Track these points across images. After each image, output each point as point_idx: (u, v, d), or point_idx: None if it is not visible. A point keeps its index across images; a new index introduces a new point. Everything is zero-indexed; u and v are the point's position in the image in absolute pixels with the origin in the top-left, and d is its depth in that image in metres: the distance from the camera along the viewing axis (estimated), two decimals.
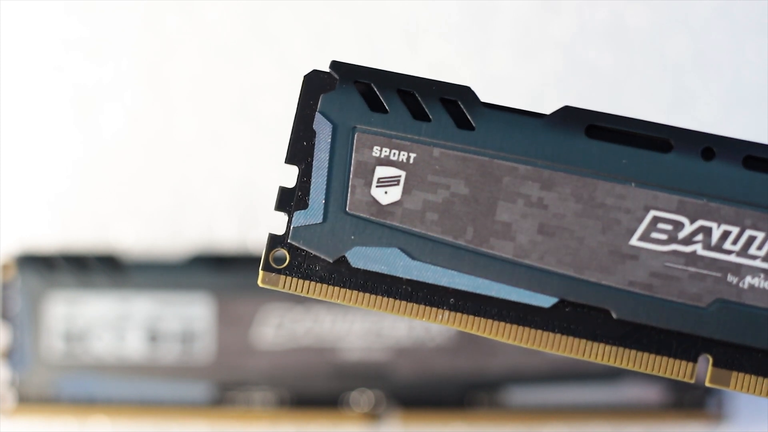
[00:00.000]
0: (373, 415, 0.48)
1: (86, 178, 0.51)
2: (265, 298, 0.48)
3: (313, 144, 0.30)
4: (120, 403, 0.48)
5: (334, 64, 0.30)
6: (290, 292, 0.30)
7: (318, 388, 0.47)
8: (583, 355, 0.29)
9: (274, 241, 0.30)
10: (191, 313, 0.48)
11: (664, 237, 0.29)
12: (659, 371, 0.30)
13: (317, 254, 0.30)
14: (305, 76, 0.30)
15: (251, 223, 0.51)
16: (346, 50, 0.52)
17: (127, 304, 0.48)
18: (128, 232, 0.51)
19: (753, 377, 0.29)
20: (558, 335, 0.29)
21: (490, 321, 0.30)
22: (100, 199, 0.51)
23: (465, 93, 0.30)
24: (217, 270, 0.48)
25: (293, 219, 0.30)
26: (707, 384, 0.29)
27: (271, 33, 0.52)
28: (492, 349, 0.47)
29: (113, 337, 0.48)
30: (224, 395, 0.48)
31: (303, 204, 0.30)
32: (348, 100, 0.30)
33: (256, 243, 0.50)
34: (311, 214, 0.30)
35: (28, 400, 0.48)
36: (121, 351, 0.48)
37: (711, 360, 0.29)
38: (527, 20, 0.51)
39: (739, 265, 0.29)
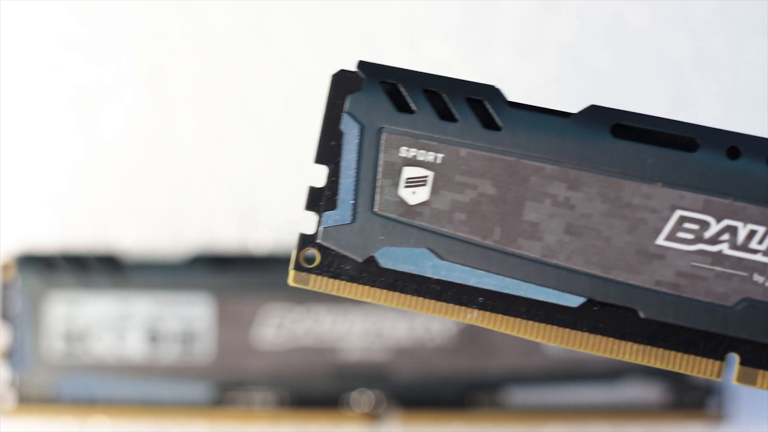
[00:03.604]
0: (373, 416, 0.48)
1: (86, 178, 0.51)
2: (265, 298, 0.48)
3: (341, 145, 0.30)
4: (120, 403, 0.48)
5: (362, 64, 0.31)
6: (320, 290, 0.30)
7: (318, 388, 0.47)
8: (611, 353, 0.29)
9: (305, 240, 0.30)
10: (191, 313, 0.48)
11: (690, 236, 0.29)
12: (687, 370, 0.30)
13: (347, 254, 0.30)
14: (333, 76, 0.30)
15: (251, 223, 0.51)
16: (346, 50, 0.52)
17: (127, 304, 0.48)
18: (128, 232, 0.51)
19: None
20: (586, 334, 0.30)
21: (518, 320, 0.30)
22: (100, 199, 0.51)
23: (492, 93, 0.30)
24: (217, 270, 0.48)
25: (323, 219, 0.30)
26: (735, 382, 0.30)
27: (271, 33, 0.52)
28: (492, 349, 0.47)
29: (113, 337, 0.48)
30: (224, 395, 0.48)
31: (332, 204, 0.30)
32: (375, 100, 0.30)
33: (256, 243, 0.50)
34: (340, 215, 0.30)
35: (28, 400, 0.48)
36: (121, 351, 0.48)
37: (738, 359, 0.29)
38: (527, 20, 0.51)
39: (765, 265, 0.29)
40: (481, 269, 0.30)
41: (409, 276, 0.30)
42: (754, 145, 0.29)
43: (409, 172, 0.30)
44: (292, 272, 0.30)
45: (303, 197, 0.30)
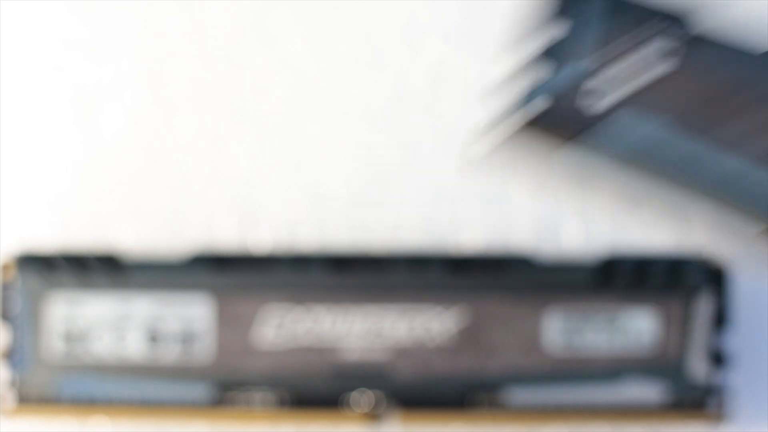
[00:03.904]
0: (373, 416, 0.48)
1: (86, 178, 0.51)
2: (265, 298, 0.48)
3: None
4: (120, 403, 0.48)
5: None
6: None
7: (318, 388, 0.47)
8: None
9: None
10: (191, 313, 0.48)
11: None
12: None
13: None
14: None
15: (251, 223, 0.51)
16: (346, 50, 0.52)
17: (127, 304, 0.48)
18: (128, 232, 0.51)
19: None
20: None
21: None
22: (100, 200, 0.51)
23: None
24: (217, 270, 0.48)
25: None
26: None
27: (271, 33, 0.52)
28: (492, 349, 0.47)
29: (113, 338, 0.48)
30: (224, 395, 0.48)
31: None
32: None
33: (256, 243, 0.50)
34: None
35: (28, 400, 0.48)
36: (121, 351, 0.48)
37: None
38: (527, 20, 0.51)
39: None
40: None
41: None
42: None
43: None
44: None
45: None
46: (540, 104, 0.31)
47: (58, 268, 0.48)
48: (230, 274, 0.48)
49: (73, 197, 0.51)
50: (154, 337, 0.48)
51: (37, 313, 0.48)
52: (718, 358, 0.46)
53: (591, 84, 0.29)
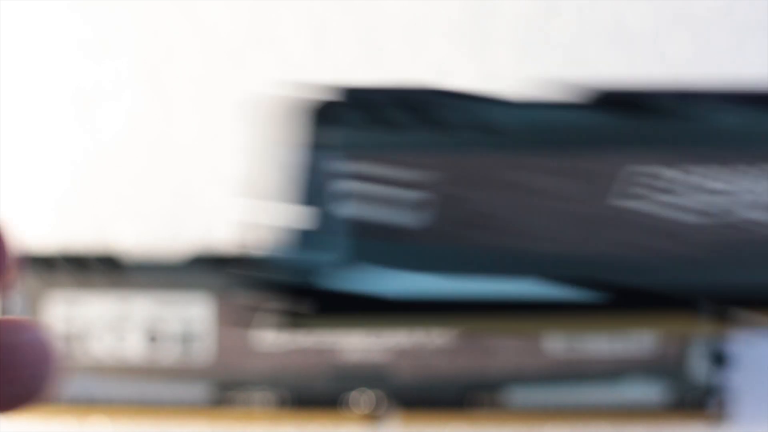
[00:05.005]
0: (373, 416, 0.48)
1: (86, 178, 0.51)
2: (266, 298, 0.48)
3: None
4: (120, 403, 0.48)
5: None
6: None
7: (318, 388, 0.47)
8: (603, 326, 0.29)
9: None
10: (191, 314, 0.48)
11: (644, 191, 0.29)
12: (668, 326, 0.29)
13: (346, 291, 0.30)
14: (293, 105, 0.30)
15: (251, 223, 0.51)
16: (346, 50, 0.52)
17: (127, 305, 0.48)
18: (128, 232, 0.51)
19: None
20: (565, 315, 0.29)
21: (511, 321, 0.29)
22: (100, 200, 0.51)
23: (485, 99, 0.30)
24: (217, 270, 0.48)
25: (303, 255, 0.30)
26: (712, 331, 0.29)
27: (271, 33, 0.52)
28: (492, 349, 0.47)
29: (113, 338, 0.48)
30: (224, 395, 0.48)
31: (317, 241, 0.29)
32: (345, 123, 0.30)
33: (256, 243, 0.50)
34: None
35: None
36: (121, 351, 0.48)
37: (712, 307, 0.29)
38: (527, 20, 0.51)
39: (734, 206, 0.29)
40: (478, 273, 0.29)
41: (418, 303, 0.29)
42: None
43: (389, 192, 0.29)
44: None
45: None
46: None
47: (57, 269, 0.48)
48: (230, 273, 0.48)
49: (73, 197, 0.51)
50: (153, 338, 0.48)
51: (37, 313, 0.48)
52: (718, 358, 0.46)
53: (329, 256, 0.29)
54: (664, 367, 0.46)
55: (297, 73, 0.52)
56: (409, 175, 0.29)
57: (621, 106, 0.29)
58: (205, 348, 0.48)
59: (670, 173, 0.29)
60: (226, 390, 0.48)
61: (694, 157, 0.28)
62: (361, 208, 0.29)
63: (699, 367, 0.46)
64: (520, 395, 0.47)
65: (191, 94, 0.52)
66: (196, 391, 0.48)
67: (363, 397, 0.47)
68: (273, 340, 0.48)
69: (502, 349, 0.47)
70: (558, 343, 0.47)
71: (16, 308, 0.48)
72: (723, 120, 0.29)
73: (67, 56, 0.52)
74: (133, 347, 0.48)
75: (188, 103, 0.52)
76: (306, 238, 0.29)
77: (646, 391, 0.47)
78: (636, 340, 0.46)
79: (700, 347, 0.46)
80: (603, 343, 0.47)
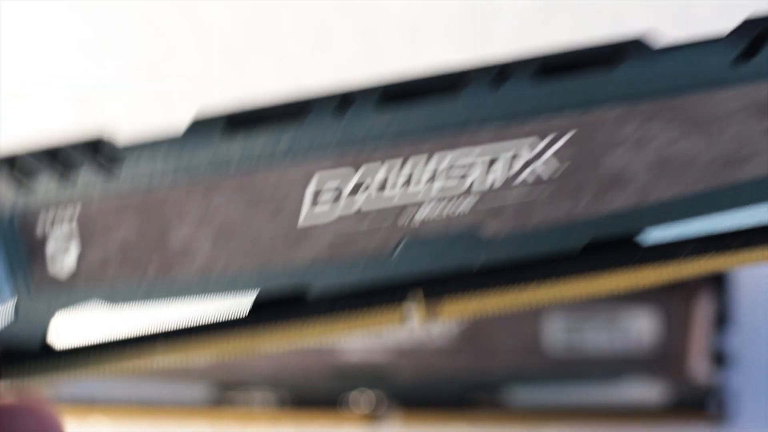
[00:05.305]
0: (373, 416, 0.48)
1: None
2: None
3: None
4: (120, 403, 0.48)
5: None
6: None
7: (318, 388, 0.47)
8: (293, 339, 0.30)
9: None
10: None
11: (329, 204, 0.30)
12: (376, 325, 0.30)
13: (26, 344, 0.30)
14: None
15: None
16: (346, 50, 0.52)
17: None
18: None
19: (458, 298, 0.29)
20: (264, 331, 0.30)
21: (202, 339, 0.30)
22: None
23: (101, 144, 0.31)
24: None
25: None
26: (419, 321, 0.30)
27: (271, 33, 0.52)
28: (492, 349, 0.47)
29: None
30: (224, 395, 0.48)
31: None
32: None
33: None
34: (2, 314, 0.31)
35: None
36: None
37: (416, 297, 0.30)
38: (527, 20, 0.51)
39: (407, 205, 0.29)
40: (148, 306, 0.30)
41: (84, 347, 0.30)
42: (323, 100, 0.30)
43: (52, 243, 0.30)
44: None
45: None
46: None
47: None
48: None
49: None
50: None
51: None
52: (718, 358, 0.46)
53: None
54: (664, 367, 0.46)
55: (297, 73, 0.52)
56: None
57: (252, 124, 0.30)
58: None
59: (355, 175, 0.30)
60: (226, 390, 0.48)
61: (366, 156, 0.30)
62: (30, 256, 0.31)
63: (699, 367, 0.46)
64: (520, 395, 0.47)
65: (191, 94, 0.52)
66: (196, 391, 0.48)
67: (363, 397, 0.47)
68: None
69: (502, 349, 0.47)
70: (558, 343, 0.47)
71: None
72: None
73: (67, 56, 0.52)
74: None
75: (188, 103, 0.52)
76: None
77: (646, 391, 0.47)
78: (636, 340, 0.46)
79: (700, 347, 0.46)
80: (603, 342, 0.47)
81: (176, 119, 0.32)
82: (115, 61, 0.52)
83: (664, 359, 0.46)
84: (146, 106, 0.52)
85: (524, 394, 0.47)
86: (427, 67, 0.30)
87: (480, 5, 0.51)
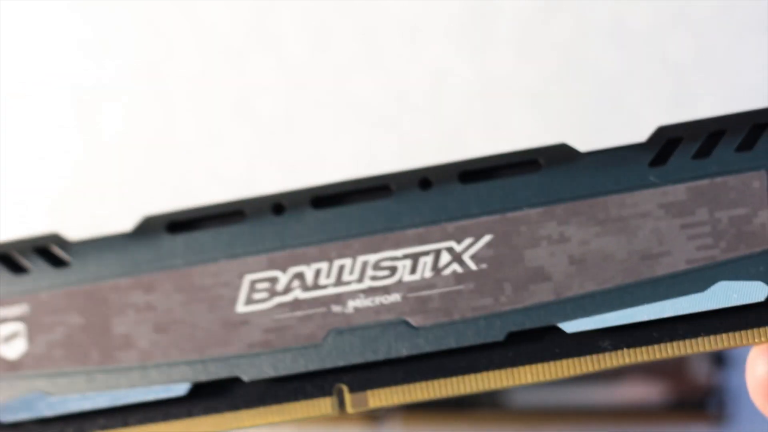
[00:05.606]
0: (373, 416, 0.48)
1: (86, 178, 0.51)
2: None
3: None
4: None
5: None
6: None
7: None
8: (228, 426, 0.32)
9: None
10: None
11: (265, 295, 0.32)
12: (304, 414, 0.32)
13: None
14: None
15: None
16: (346, 50, 0.52)
17: None
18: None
19: (387, 389, 0.31)
20: (198, 418, 0.32)
21: (138, 428, 0.32)
22: (100, 200, 0.51)
23: (53, 239, 0.33)
24: None
25: None
26: (350, 411, 0.31)
27: (271, 33, 0.52)
28: None
29: None
30: None
31: None
32: None
33: None
34: None
35: None
36: None
37: (345, 387, 0.31)
38: (527, 20, 0.51)
39: (338, 295, 0.31)
40: (90, 391, 0.32)
41: (30, 423, 0.32)
42: (292, 198, 0.32)
43: (1, 330, 0.33)
44: None
45: None
46: None
47: None
48: None
49: (73, 198, 0.51)
50: None
51: None
52: (718, 359, 0.46)
53: None
54: (664, 367, 0.46)
55: (297, 73, 0.52)
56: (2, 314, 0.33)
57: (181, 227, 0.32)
58: None
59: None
60: None
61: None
62: None
63: (699, 367, 0.46)
64: (521, 396, 0.47)
65: (191, 93, 0.52)
66: None
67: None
68: None
69: None
70: None
71: None
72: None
73: (67, 56, 0.52)
74: None
75: (188, 102, 0.52)
76: None
77: (646, 392, 0.47)
78: None
79: None
80: None
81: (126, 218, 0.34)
82: (115, 61, 0.52)
83: (663, 359, 0.46)
84: (146, 106, 0.52)
85: (524, 395, 0.47)
86: (355, 173, 0.32)
87: (480, 5, 0.51)
